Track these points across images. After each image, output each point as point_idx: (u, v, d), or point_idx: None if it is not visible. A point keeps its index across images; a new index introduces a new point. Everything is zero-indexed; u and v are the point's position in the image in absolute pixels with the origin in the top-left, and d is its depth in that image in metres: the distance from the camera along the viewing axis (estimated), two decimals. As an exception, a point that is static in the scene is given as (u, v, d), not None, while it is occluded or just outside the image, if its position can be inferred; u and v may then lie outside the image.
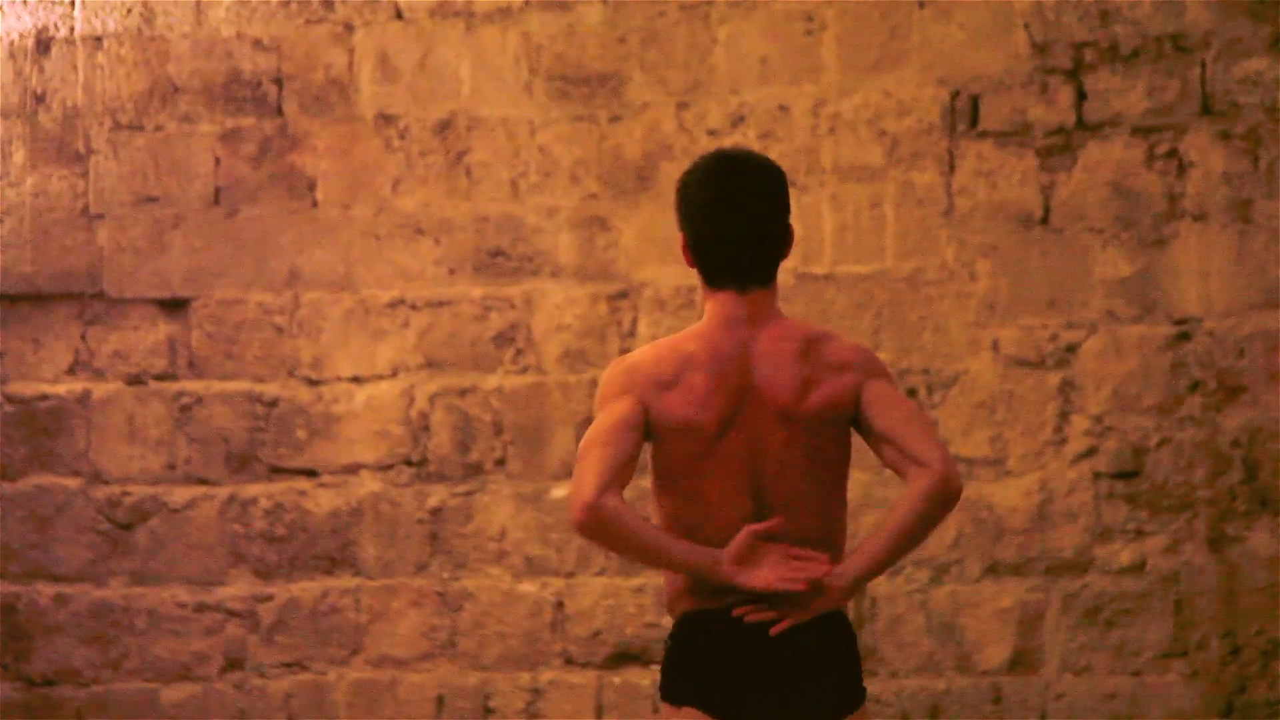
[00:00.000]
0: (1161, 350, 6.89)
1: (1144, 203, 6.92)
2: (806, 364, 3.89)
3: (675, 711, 3.80)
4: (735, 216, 3.98)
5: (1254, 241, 6.84)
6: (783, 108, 7.16)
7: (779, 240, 4.04)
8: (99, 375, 7.41)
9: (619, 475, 3.79)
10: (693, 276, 7.18)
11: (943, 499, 3.80)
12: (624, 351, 7.20)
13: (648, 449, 3.94)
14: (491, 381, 7.31)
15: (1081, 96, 6.99)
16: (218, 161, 7.44)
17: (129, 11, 7.48)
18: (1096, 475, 6.91)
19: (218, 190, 7.44)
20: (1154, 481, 6.88)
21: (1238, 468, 6.82)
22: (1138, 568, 6.89)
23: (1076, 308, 6.95)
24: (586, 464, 3.79)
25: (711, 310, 4.01)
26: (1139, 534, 6.88)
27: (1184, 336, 6.88)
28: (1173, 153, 6.92)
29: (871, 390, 3.88)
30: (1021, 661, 6.92)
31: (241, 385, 7.39)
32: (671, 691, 3.83)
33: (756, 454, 3.82)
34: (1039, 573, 6.93)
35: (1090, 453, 6.92)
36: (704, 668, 3.77)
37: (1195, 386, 6.86)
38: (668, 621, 6.98)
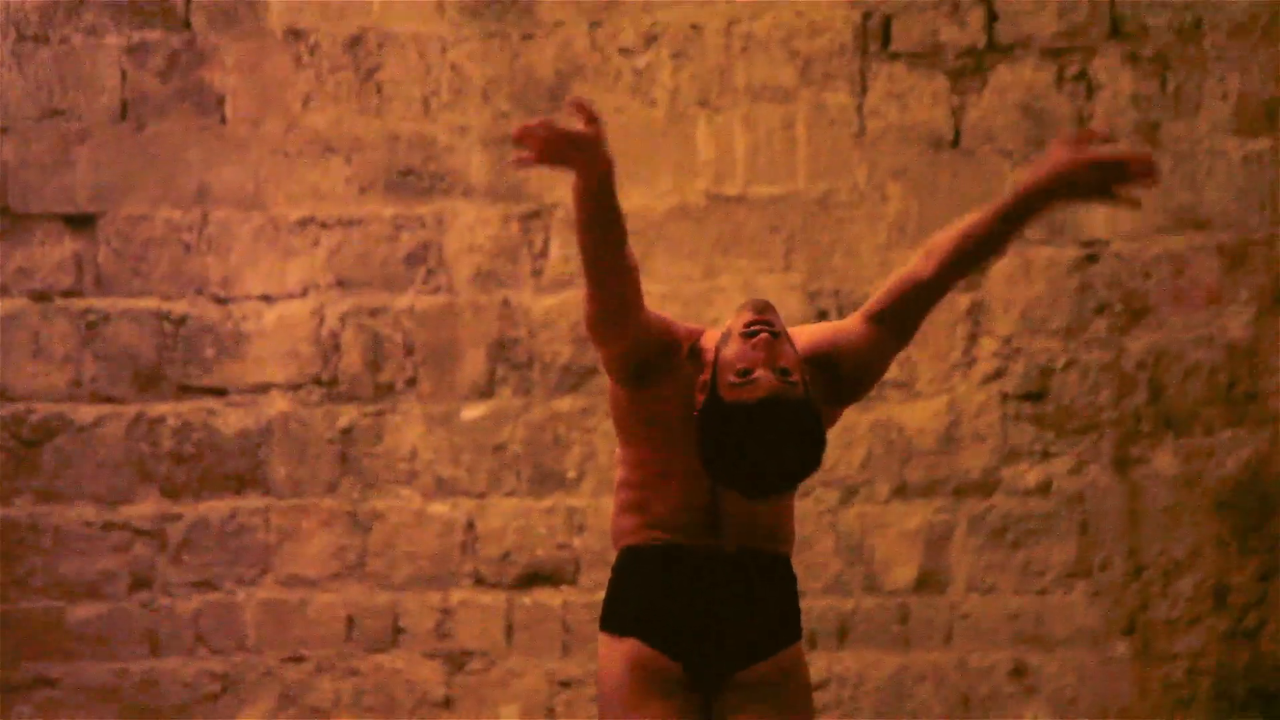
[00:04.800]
0: (1069, 272, 6.93)
1: (1053, 124, 6.94)
2: None
3: (615, 642, 3.77)
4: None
5: (1160, 164, 6.86)
6: (695, 27, 7.13)
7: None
8: (4, 292, 7.33)
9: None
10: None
11: None
12: (535, 274, 7.19)
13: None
14: (402, 301, 7.28)
15: (993, 18, 7.00)
16: (124, 75, 7.35)
17: (33, -78, 7.37)
18: (1004, 397, 6.96)
19: (125, 104, 7.36)
20: (1060, 403, 6.94)
21: (1142, 389, 6.88)
22: (1044, 488, 6.94)
23: (986, 230, 6.98)
24: None
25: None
26: (1045, 455, 6.94)
27: (1091, 259, 6.92)
28: (1082, 74, 6.95)
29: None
30: (928, 582, 6.98)
31: (149, 303, 7.33)
32: (611, 622, 3.80)
33: None
34: (947, 494, 6.98)
35: (998, 374, 6.97)
36: (645, 600, 3.74)
37: (1102, 309, 6.91)
38: (578, 542, 7.06)
